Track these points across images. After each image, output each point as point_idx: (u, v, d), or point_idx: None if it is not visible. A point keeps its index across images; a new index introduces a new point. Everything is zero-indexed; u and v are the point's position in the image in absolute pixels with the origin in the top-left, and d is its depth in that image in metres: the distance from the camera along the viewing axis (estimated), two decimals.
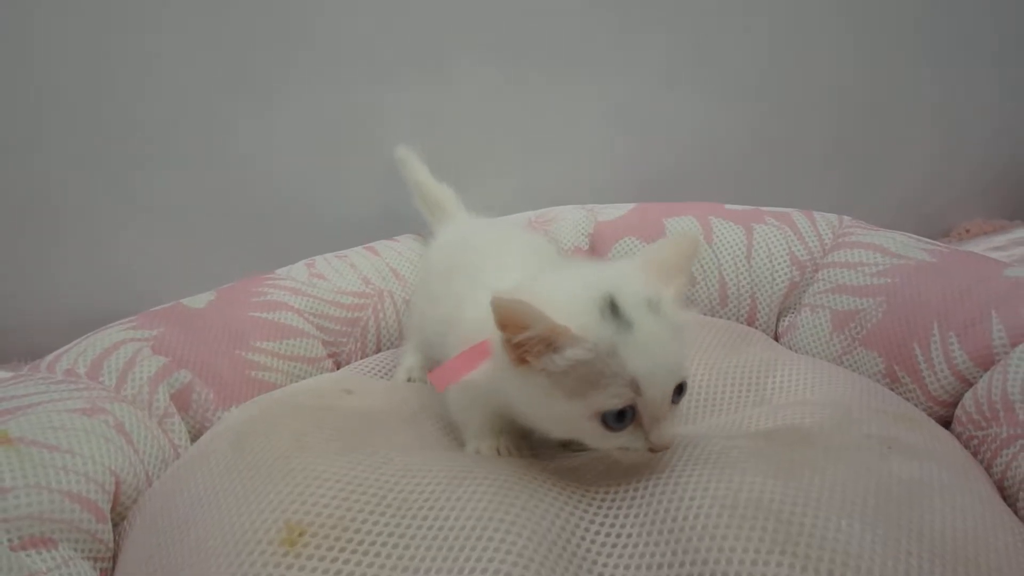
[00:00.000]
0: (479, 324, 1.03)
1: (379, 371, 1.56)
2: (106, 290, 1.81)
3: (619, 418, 0.92)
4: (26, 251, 1.75)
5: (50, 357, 1.30)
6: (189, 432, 1.32)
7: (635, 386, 0.90)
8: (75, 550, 0.97)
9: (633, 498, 0.94)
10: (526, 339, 0.89)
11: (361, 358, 1.64)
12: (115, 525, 1.07)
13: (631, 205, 1.90)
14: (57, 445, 1.04)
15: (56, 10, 1.62)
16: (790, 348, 1.55)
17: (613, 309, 0.91)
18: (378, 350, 1.69)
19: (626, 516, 0.92)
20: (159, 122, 1.75)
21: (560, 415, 0.95)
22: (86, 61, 1.66)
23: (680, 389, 0.95)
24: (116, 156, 1.74)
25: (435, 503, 0.91)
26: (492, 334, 0.97)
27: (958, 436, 1.19)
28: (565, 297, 0.93)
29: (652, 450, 0.95)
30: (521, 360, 0.92)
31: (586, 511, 0.94)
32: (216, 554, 0.86)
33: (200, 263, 1.85)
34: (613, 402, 0.90)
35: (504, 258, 1.27)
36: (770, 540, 0.80)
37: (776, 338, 1.64)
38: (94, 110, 1.70)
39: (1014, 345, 1.19)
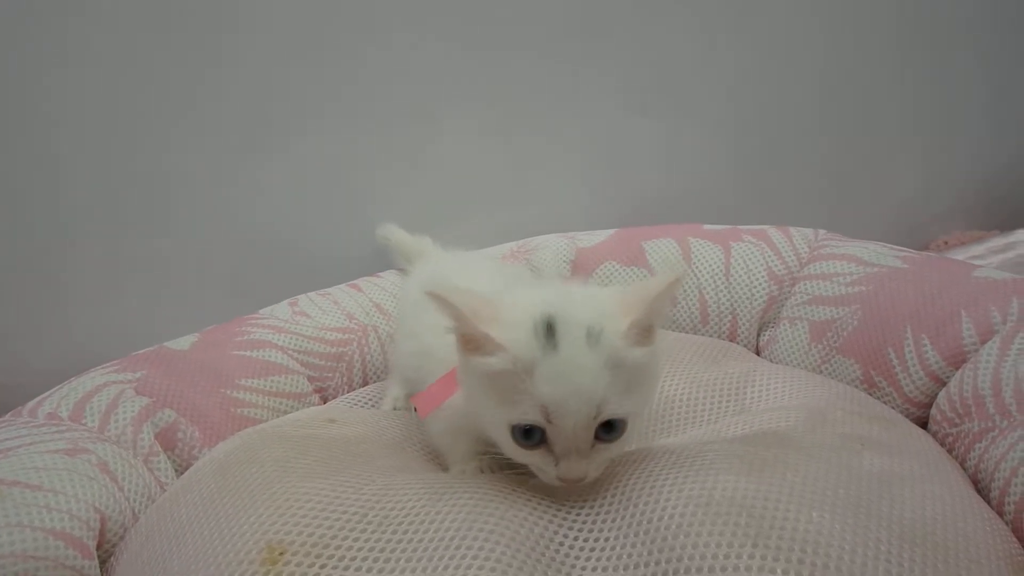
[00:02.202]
0: (454, 348, 1.04)
1: (365, 404, 1.57)
2: (96, 346, 1.80)
3: (526, 435, 0.92)
4: (18, 312, 1.75)
5: (32, 403, 1.31)
6: (176, 470, 1.33)
7: (544, 411, 0.89)
8: None
9: (610, 503, 0.95)
10: (459, 333, 0.93)
11: (348, 392, 1.65)
12: (103, 562, 1.07)
13: (611, 231, 1.92)
14: (40, 485, 1.05)
15: (57, 90, 1.64)
16: (771, 361, 1.56)
17: (549, 330, 0.91)
18: (364, 384, 1.70)
19: (603, 521, 0.93)
20: (145, 172, 1.75)
21: (486, 415, 0.96)
22: (79, 128, 1.67)
23: (610, 427, 0.92)
24: (107, 200, 1.74)
25: (415, 518, 0.92)
26: None
27: (934, 435, 1.21)
28: (517, 308, 0.94)
29: (561, 479, 0.94)
30: (467, 349, 0.94)
31: (565, 518, 0.94)
32: None
33: (186, 310, 1.85)
34: (521, 418, 0.91)
35: (475, 284, 1.25)
36: (742, 534, 0.82)
37: (757, 352, 1.65)
38: (85, 166, 1.70)
39: (983, 342, 1.21)
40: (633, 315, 0.92)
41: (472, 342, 0.92)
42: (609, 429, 0.92)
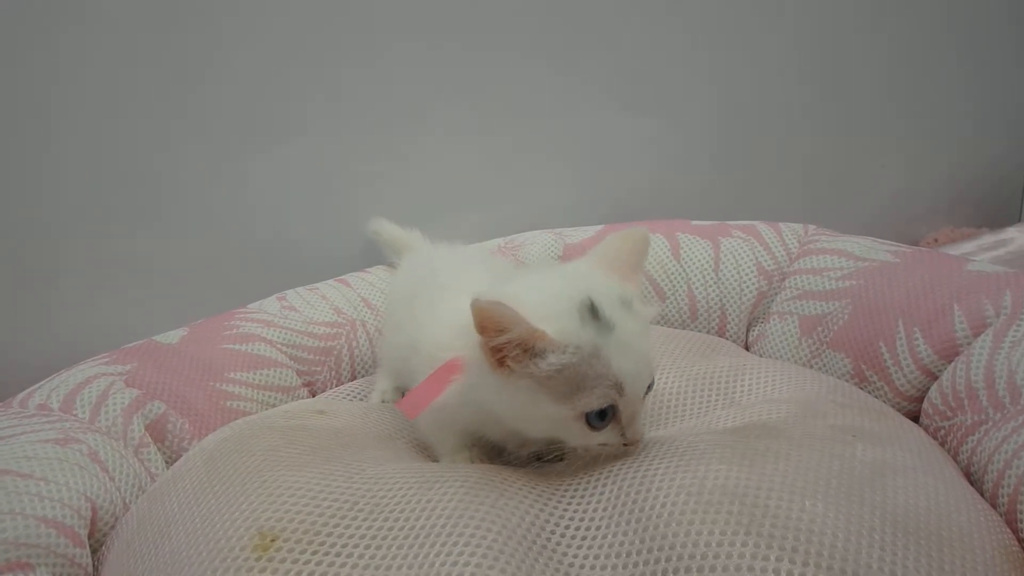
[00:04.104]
0: (442, 343, 1.04)
1: (354, 397, 1.56)
2: (84, 344, 1.79)
3: (601, 417, 0.95)
4: (5, 310, 1.74)
5: (22, 394, 1.30)
6: (166, 462, 1.32)
7: (619, 387, 0.93)
8: (53, 574, 0.97)
9: (601, 492, 0.95)
10: (505, 342, 0.90)
11: (336, 386, 1.65)
12: (94, 552, 1.07)
13: (599, 226, 1.92)
14: (31, 473, 1.04)
15: (45, 87, 1.63)
16: (760, 356, 1.55)
17: (592, 311, 0.93)
18: (352, 378, 1.69)
19: (595, 510, 0.93)
20: (134, 170, 1.75)
21: (546, 416, 0.96)
22: (68, 126, 1.67)
23: (649, 384, 0.98)
24: (96, 198, 1.73)
25: (407, 506, 0.92)
26: (462, 349, 1.00)
27: (925, 429, 1.21)
28: (544, 300, 0.95)
29: (626, 444, 0.98)
30: (500, 364, 0.93)
31: (556, 506, 0.95)
32: (189, 563, 0.87)
33: (175, 307, 1.83)
34: (599, 403, 0.93)
35: (463, 278, 1.25)
36: (735, 522, 0.81)
37: (747, 348, 1.65)
38: (74, 163, 1.69)
39: (976, 335, 1.21)
40: (634, 279, 1.00)
41: (513, 349, 0.91)
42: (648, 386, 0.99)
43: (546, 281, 1.01)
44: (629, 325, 0.94)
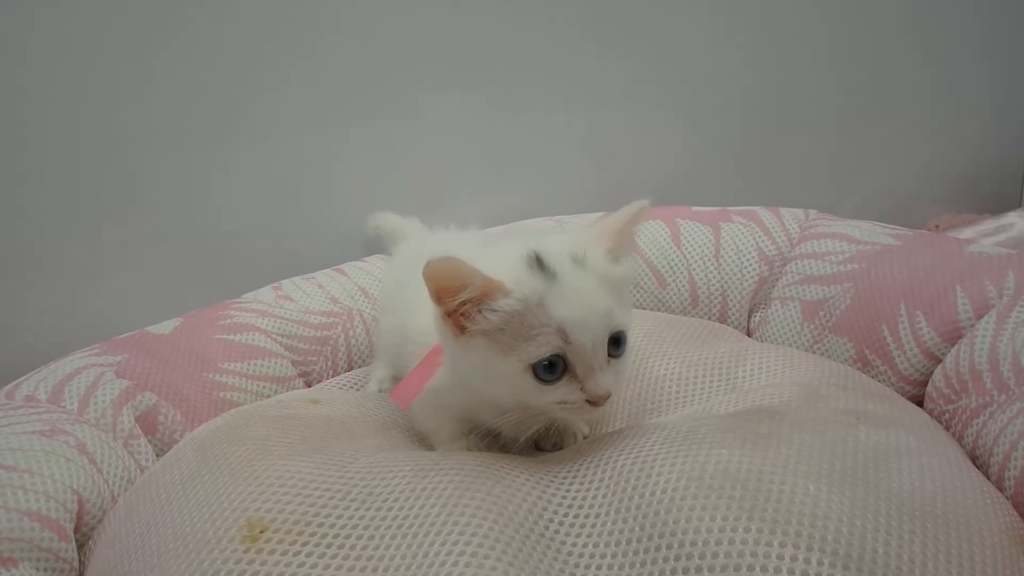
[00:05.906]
0: (428, 328, 1.03)
1: (350, 388, 1.54)
2: (76, 333, 1.78)
3: (550, 370, 0.94)
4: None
5: (9, 386, 1.28)
6: (157, 454, 1.30)
7: (563, 334, 0.92)
8: (37, 569, 0.95)
9: (601, 479, 0.93)
10: (462, 302, 0.92)
11: (333, 376, 1.63)
12: (81, 545, 1.05)
13: (599, 214, 1.90)
14: (15, 465, 1.02)
15: (33, 77, 1.61)
16: (762, 342, 1.54)
17: (540, 265, 0.94)
18: (350, 368, 1.67)
19: (593, 497, 0.91)
20: (125, 162, 1.73)
21: (500, 375, 0.95)
22: (57, 118, 1.65)
23: (617, 342, 0.97)
24: (88, 189, 1.71)
25: (400, 495, 0.91)
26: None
27: (929, 412, 1.19)
28: (495, 259, 0.96)
29: (591, 403, 0.96)
30: (460, 328, 0.94)
31: (554, 494, 0.93)
32: (176, 555, 0.85)
33: (166, 303, 1.81)
34: (541, 351, 0.92)
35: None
36: (737, 507, 0.80)
37: (748, 334, 1.63)
38: (63, 156, 1.67)
39: (979, 317, 1.20)
40: (606, 244, 0.99)
41: (471, 307, 0.92)
42: (616, 344, 0.97)
43: (501, 245, 1.03)
44: (575, 276, 0.94)
